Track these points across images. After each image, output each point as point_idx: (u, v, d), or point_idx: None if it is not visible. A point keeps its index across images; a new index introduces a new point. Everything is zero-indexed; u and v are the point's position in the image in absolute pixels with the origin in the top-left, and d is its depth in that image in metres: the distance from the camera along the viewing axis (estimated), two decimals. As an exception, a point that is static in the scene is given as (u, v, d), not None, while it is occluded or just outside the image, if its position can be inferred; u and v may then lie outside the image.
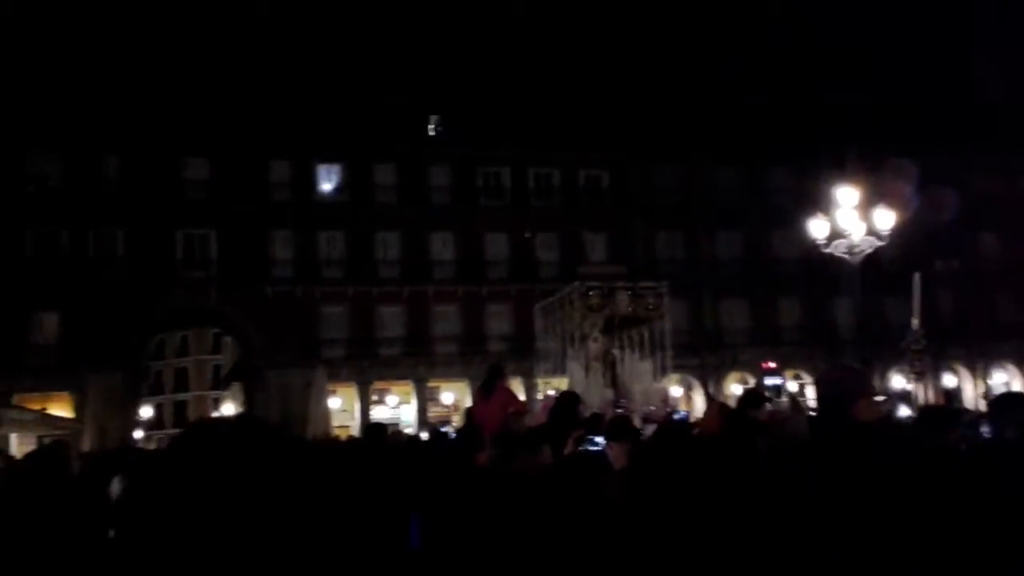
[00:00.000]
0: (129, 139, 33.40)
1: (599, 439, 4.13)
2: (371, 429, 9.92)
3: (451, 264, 36.93)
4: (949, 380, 37.91)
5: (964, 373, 39.00)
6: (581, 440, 4.23)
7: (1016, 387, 38.10)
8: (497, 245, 37.52)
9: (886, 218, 14.76)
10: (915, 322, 11.61)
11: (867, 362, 17.40)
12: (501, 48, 55.40)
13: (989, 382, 37.49)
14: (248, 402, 38.95)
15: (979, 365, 39.39)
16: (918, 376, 13.40)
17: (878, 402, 3.17)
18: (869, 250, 14.92)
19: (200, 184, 34.51)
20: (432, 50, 50.39)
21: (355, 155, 36.36)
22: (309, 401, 28.37)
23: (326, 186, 36.86)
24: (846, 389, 2.99)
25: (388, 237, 36.46)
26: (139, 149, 33.51)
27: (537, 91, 41.63)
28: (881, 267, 30.29)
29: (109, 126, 33.01)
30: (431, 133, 40.41)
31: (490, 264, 37.28)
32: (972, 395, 36.29)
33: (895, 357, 34.78)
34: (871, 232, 14.76)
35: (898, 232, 15.74)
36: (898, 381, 36.80)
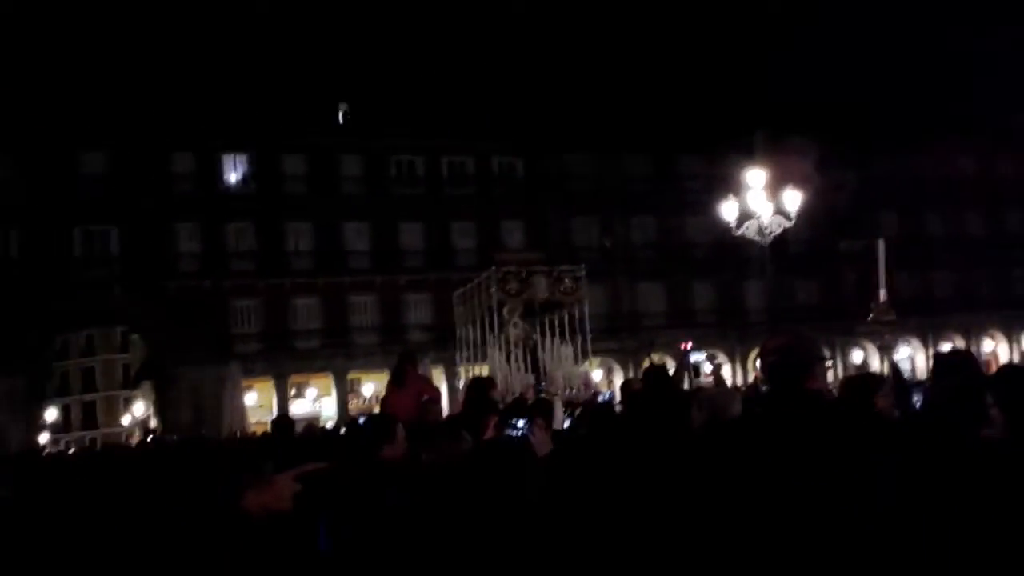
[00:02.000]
0: (19, 136, 31.63)
1: (521, 422, 3.94)
2: (278, 423, 9.52)
3: (366, 254, 36.30)
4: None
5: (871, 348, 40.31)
6: (502, 424, 4.03)
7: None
8: (412, 234, 37.04)
9: (794, 198, 15.07)
10: (882, 292, 11.36)
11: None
12: (410, 35, 54.85)
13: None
14: (160, 401, 37.69)
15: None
16: (887, 348, 13.46)
17: (828, 367, 3.03)
18: (778, 230, 15.17)
19: (97, 179, 32.96)
20: (339, 37, 49.52)
21: (262, 145, 35.32)
22: (223, 398, 27.59)
23: (232, 177, 35.74)
24: (798, 356, 2.87)
25: (299, 228, 35.59)
26: (29, 145, 31.79)
27: (448, 79, 41.38)
28: (788, 251, 31.15)
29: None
30: (341, 122, 39.60)
31: (406, 253, 36.79)
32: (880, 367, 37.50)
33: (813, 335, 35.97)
34: (779, 212, 15.04)
35: (804, 215, 16.09)
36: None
